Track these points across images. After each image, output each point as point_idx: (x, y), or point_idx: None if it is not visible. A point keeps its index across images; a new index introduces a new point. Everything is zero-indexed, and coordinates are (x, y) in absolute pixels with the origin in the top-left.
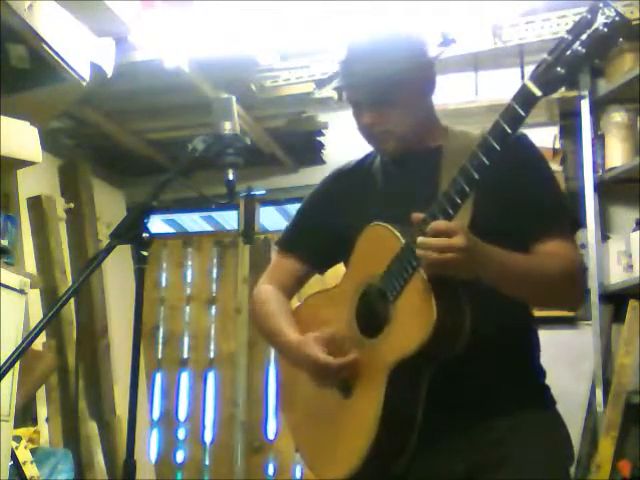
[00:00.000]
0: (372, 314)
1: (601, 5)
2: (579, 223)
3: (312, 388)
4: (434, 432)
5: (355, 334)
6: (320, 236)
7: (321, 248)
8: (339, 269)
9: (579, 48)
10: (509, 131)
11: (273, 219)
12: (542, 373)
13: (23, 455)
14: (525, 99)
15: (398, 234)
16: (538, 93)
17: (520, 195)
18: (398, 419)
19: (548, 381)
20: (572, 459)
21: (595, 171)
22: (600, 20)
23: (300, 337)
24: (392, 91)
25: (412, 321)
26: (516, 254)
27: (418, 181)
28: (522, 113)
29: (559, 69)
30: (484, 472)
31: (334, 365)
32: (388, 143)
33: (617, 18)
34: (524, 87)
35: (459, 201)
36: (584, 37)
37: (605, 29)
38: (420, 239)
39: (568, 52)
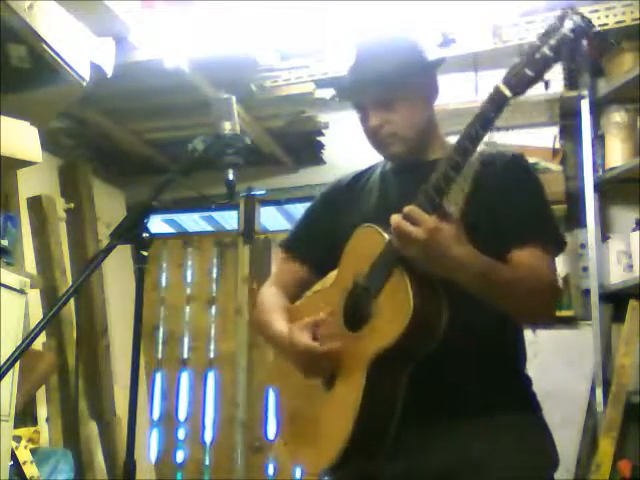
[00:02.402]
0: (357, 310)
1: (569, 12)
2: (564, 243)
3: (298, 381)
4: (413, 430)
5: (341, 329)
6: (320, 242)
7: (321, 253)
8: None
9: (547, 52)
10: (481, 131)
11: (273, 219)
12: (526, 378)
13: (23, 455)
14: (496, 100)
15: (384, 233)
16: (508, 94)
17: (509, 205)
18: (376, 412)
19: (549, 381)
20: (555, 464)
21: (595, 171)
22: (567, 26)
23: (288, 327)
24: (397, 93)
25: (391, 315)
26: (499, 264)
27: (414, 194)
28: (493, 114)
29: (528, 71)
30: (462, 472)
31: (319, 351)
32: (394, 146)
33: (582, 24)
34: (496, 89)
35: (437, 200)
36: (552, 41)
37: (571, 34)
38: (393, 216)
39: (537, 55)
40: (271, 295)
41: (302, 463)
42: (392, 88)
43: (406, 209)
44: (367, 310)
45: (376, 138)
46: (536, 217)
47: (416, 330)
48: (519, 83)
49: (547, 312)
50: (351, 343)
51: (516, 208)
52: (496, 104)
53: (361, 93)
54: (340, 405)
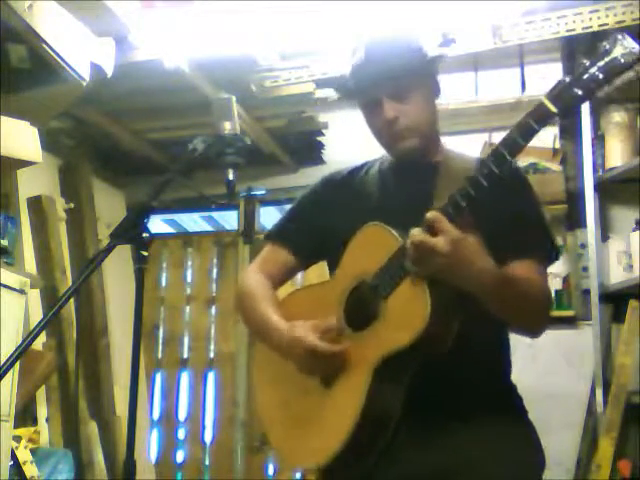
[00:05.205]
0: (361, 309)
1: (620, 37)
2: (559, 253)
3: (292, 378)
4: (407, 432)
5: (342, 326)
6: (310, 232)
7: (310, 243)
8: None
9: (597, 73)
10: (521, 142)
11: (273, 219)
12: (511, 383)
13: (23, 455)
14: (540, 115)
15: (396, 234)
16: (554, 109)
17: (507, 217)
18: (377, 414)
19: (549, 381)
20: (544, 464)
21: (595, 171)
22: (619, 51)
23: (289, 323)
24: (410, 85)
25: (404, 317)
26: (514, 275)
27: (413, 194)
28: (536, 127)
29: (576, 90)
30: (457, 473)
31: (326, 350)
32: (408, 140)
33: (635, 50)
34: (541, 104)
35: (463, 204)
36: (601, 64)
37: (622, 59)
38: (413, 230)
39: (585, 76)
40: (259, 283)
41: (288, 461)
42: (405, 80)
43: (429, 215)
44: (374, 310)
45: (390, 131)
46: (535, 230)
47: (429, 337)
48: (566, 100)
49: (544, 322)
50: (354, 342)
51: (515, 220)
52: (540, 119)
53: (374, 87)
54: (340, 404)
